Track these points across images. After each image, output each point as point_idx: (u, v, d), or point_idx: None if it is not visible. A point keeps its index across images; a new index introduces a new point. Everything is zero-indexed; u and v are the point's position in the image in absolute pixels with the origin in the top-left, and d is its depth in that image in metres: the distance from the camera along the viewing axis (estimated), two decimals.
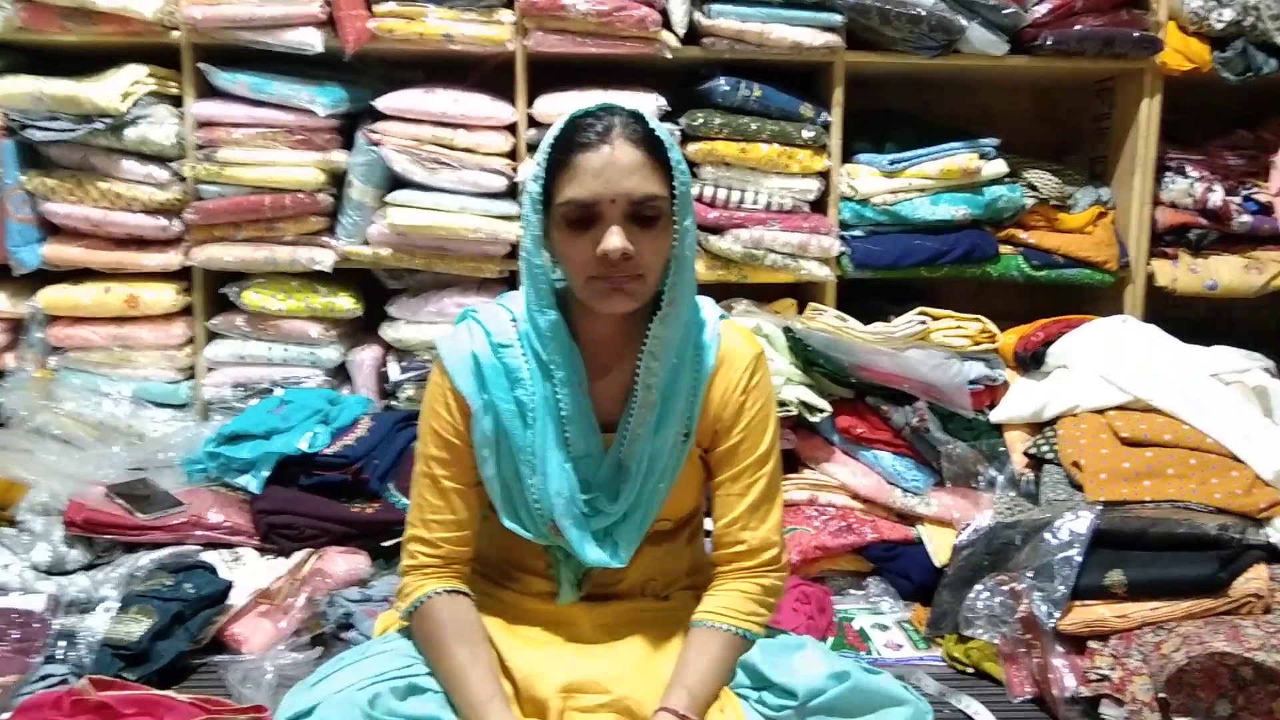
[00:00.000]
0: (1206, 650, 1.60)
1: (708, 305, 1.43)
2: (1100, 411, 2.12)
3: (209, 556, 2.00)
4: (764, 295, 2.67)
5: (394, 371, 2.56)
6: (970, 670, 1.85)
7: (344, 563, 2.00)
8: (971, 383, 2.22)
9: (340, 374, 2.64)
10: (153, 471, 2.20)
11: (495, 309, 1.39)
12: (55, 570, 1.93)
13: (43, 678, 1.68)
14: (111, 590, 1.82)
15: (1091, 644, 1.74)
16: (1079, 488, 1.99)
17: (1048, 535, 1.85)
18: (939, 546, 2.11)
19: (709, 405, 1.38)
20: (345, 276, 2.61)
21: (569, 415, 1.33)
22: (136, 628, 1.74)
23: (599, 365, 1.35)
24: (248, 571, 1.97)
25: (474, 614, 1.36)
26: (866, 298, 2.60)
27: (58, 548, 1.94)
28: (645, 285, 1.27)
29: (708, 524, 1.54)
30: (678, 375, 1.35)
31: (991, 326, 2.34)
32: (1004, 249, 2.68)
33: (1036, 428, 2.22)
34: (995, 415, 2.25)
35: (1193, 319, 2.54)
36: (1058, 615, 1.75)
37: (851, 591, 2.14)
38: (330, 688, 1.26)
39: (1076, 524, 1.84)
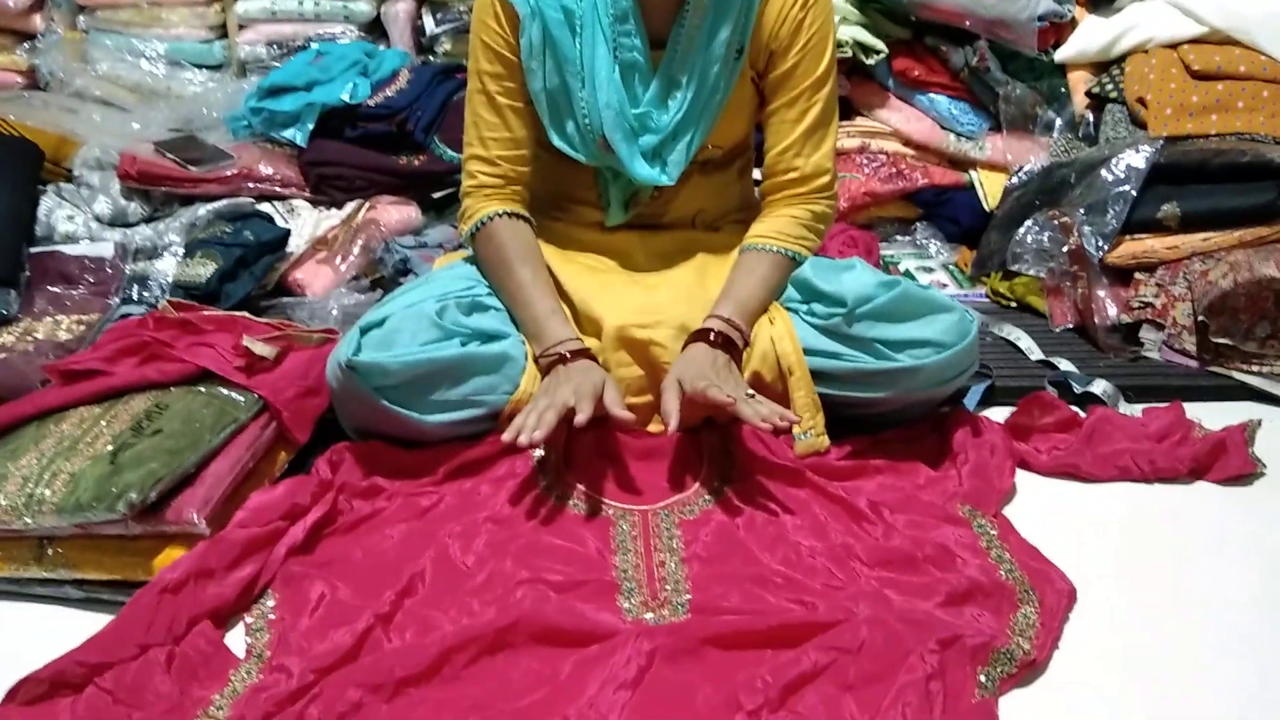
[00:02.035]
0: (1254, 277, 1.60)
1: None
2: (1173, 46, 2.01)
3: (263, 208, 2.03)
4: None
5: (430, 24, 2.46)
6: (1013, 304, 1.88)
7: (396, 212, 2.03)
8: (1039, 19, 2.09)
9: (375, 30, 2.55)
10: (197, 130, 2.19)
11: None
12: (117, 222, 1.97)
13: (122, 316, 1.77)
14: (175, 237, 1.86)
15: (1138, 275, 1.76)
16: (1142, 126, 1.92)
17: (1104, 171, 1.81)
18: (990, 190, 2.08)
19: (764, 22, 1.32)
20: None
21: (618, 16, 1.28)
22: (204, 270, 1.80)
23: None
24: (302, 222, 2.00)
25: (534, 238, 1.39)
26: None
27: (117, 200, 1.96)
28: None
29: (757, 175, 1.53)
30: None
31: None
32: None
33: (1102, 67, 2.11)
34: (1060, 54, 2.13)
35: None
36: (1106, 248, 1.75)
37: (899, 238, 2.14)
38: (400, 304, 1.32)
39: (1135, 159, 1.79)
